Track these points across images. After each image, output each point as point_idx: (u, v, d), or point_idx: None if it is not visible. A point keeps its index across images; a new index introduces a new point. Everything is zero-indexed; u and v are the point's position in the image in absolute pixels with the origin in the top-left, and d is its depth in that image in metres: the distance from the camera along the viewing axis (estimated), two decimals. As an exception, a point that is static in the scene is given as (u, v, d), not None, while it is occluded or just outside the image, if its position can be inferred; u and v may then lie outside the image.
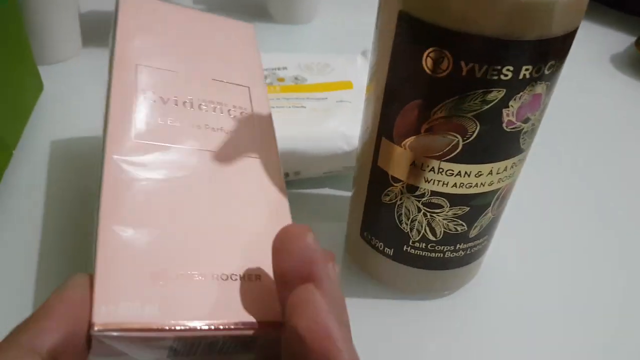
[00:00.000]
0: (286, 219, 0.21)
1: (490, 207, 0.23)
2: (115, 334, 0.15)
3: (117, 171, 0.19)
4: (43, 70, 0.38)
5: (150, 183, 0.19)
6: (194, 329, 0.16)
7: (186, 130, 0.21)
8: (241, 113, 0.24)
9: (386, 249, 0.25)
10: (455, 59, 0.19)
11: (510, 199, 0.25)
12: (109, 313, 0.16)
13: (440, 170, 0.21)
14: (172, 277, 0.17)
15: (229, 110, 0.23)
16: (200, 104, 0.23)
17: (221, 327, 0.17)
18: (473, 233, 0.24)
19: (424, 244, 0.24)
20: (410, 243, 0.24)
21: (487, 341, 0.26)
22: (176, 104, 0.22)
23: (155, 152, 0.20)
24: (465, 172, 0.21)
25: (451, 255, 0.25)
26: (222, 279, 0.18)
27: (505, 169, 0.22)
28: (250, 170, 0.22)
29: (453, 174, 0.21)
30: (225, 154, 0.21)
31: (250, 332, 0.17)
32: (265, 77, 0.35)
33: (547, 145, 0.39)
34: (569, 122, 0.44)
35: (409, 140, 0.21)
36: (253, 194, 0.21)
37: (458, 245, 0.24)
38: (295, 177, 0.32)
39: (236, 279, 0.18)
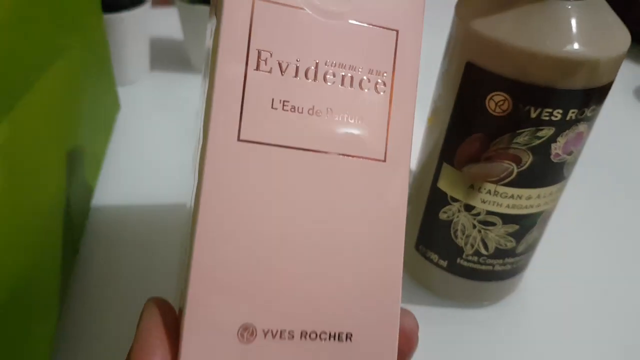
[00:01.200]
0: (397, 262, 0.17)
1: (536, 226, 0.27)
2: None
3: (216, 186, 0.16)
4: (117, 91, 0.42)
5: (253, 198, 0.16)
6: None
7: (302, 121, 0.16)
8: (377, 85, 0.17)
9: (440, 261, 0.29)
10: (514, 102, 0.22)
11: (550, 220, 0.29)
12: None
13: (496, 193, 0.25)
14: (260, 334, 0.15)
15: (360, 80, 0.17)
16: (327, 72, 0.17)
17: None
18: (520, 249, 0.27)
19: (476, 257, 0.28)
20: (464, 256, 0.28)
21: (528, 345, 0.29)
22: (296, 74, 0.16)
23: (262, 157, 0.16)
24: (517, 195, 0.25)
25: (500, 268, 0.28)
26: (311, 339, 0.16)
27: (551, 194, 0.25)
28: (372, 182, 0.17)
29: (507, 196, 0.25)
30: (342, 159, 0.17)
31: None
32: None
33: (581, 172, 0.43)
34: (600, 152, 0.47)
35: (469, 167, 0.25)
36: (371, 218, 0.17)
37: (506, 259, 0.28)
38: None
39: (325, 339, 0.16)
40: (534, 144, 0.23)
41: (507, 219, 0.26)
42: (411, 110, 0.18)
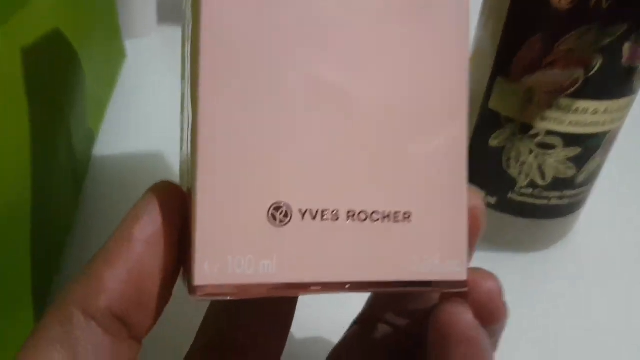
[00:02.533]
0: (461, 140, 0.14)
1: (600, 150, 0.24)
2: (221, 298, 0.12)
3: (214, 38, 0.12)
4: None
5: (267, 52, 0.12)
6: (321, 286, 0.13)
7: None
8: None
9: (488, 197, 0.26)
10: (585, -12, 0.19)
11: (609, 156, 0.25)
12: (212, 273, 0.12)
13: (558, 107, 0.22)
14: (296, 215, 0.13)
15: None
16: None
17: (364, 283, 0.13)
18: (580, 178, 0.24)
19: (530, 190, 0.24)
20: (516, 189, 0.25)
21: (586, 295, 0.26)
22: None
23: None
24: (583, 109, 0.22)
25: (556, 202, 0.25)
26: (361, 219, 0.13)
27: (618, 109, 0.22)
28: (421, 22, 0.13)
29: (570, 110, 0.22)
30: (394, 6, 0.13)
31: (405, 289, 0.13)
32: None
33: None
34: None
35: (528, 77, 0.22)
36: (426, 80, 0.14)
37: (564, 191, 0.25)
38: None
39: (377, 219, 0.13)
40: (604, 43, 0.20)
41: (569, 140, 0.23)
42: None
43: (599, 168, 0.25)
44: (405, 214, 0.13)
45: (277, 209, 0.12)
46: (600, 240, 0.29)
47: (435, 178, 0.14)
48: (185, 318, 0.17)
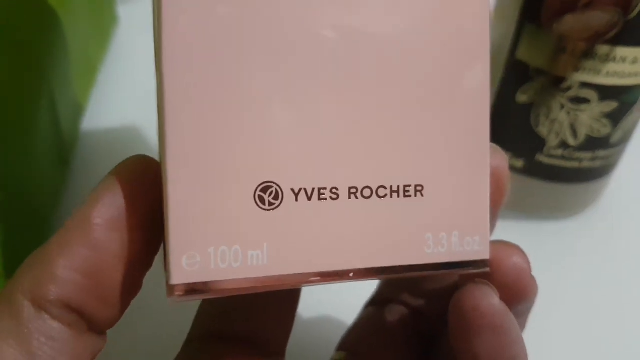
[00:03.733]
0: (483, 104, 0.12)
1: (637, 105, 0.21)
2: (205, 297, 0.11)
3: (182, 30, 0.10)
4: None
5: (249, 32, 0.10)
6: (319, 276, 0.11)
7: None
8: None
9: (514, 159, 0.23)
10: None
11: None
12: (192, 269, 0.10)
13: (594, 55, 0.19)
14: (288, 195, 0.11)
15: None
16: None
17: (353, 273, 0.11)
18: (615, 137, 0.22)
19: (560, 151, 0.22)
20: (545, 150, 0.22)
21: (620, 263, 0.24)
22: None
23: None
24: (621, 58, 0.19)
25: (587, 165, 0.23)
26: (365, 197, 0.11)
27: (661, 58, 0.20)
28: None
29: (608, 59, 0.19)
30: None
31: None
32: None
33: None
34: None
35: (560, 21, 0.19)
36: (435, 36, 0.11)
37: (597, 152, 0.22)
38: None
39: (385, 195, 0.11)
40: (650, -21, 0.18)
41: (605, 92, 0.20)
42: None
43: (634, 125, 0.23)
44: (417, 187, 0.12)
45: (265, 189, 0.10)
46: (634, 205, 0.26)
47: (452, 141, 0.12)
48: (178, 308, 0.15)
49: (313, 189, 0.11)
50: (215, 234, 0.10)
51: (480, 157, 0.12)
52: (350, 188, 0.11)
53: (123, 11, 0.38)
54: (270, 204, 0.10)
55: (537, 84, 0.21)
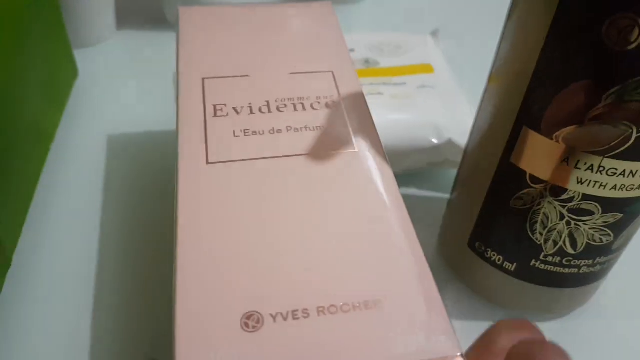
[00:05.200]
0: (405, 223, 0.16)
1: (643, 213, 0.19)
2: None
3: (193, 204, 0.16)
4: (76, 55, 0.34)
5: (232, 205, 0.16)
6: None
7: (266, 139, 0.18)
8: (327, 104, 0.20)
9: (506, 263, 0.21)
10: (649, 27, 0.14)
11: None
12: None
13: (601, 169, 0.17)
14: (268, 319, 0.14)
15: (312, 104, 0.20)
16: (279, 106, 0.19)
17: None
18: (616, 244, 0.20)
19: (558, 258, 0.20)
20: (542, 257, 0.20)
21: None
22: (251, 112, 0.19)
23: (233, 171, 0.17)
24: (630, 172, 0.17)
25: (587, 271, 0.21)
26: (331, 313, 0.14)
27: (673, 168, 0.18)
28: (350, 168, 0.17)
29: (616, 173, 0.17)
30: (316, 155, 0.18)
31: None
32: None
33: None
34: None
35: (564, 131, 0.17)
36: (359, 196, 0.17)
37: (597, 259, 0.20)
38: (371, 174, 0.28)
39: (349, 310, 0.14)
40: (668, 94, 0.15)
41: (609, 205, 0.18)
42: (366, 111, 0.19)
43: (637, 230, 0.21)
44: (375, 301, 0.14)
45: (250, 317, 0.14)
46: (626, 300, 0.24)
47: (395, 257, 0.15)
48: None
49: (288, 312, 0.14)
50: (210, 352, 0.13)
51: (421, 267, 0.15)
52: (318, 307, 0.14)
53: (83, 56, 0.35)
54: (254, 327, 0.13)
55: (535, 192, 0.19)
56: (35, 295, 0.22)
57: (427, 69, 0.31)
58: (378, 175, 0.17)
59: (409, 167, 0.28)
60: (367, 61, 0.31)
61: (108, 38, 0.38)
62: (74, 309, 0.22)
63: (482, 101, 0.21)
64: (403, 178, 0.29)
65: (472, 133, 0.22)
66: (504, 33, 0.19)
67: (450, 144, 0.27)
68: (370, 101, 0.28)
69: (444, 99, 0.28)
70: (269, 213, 0.16)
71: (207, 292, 0.14)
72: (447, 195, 0.28)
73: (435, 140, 0.27)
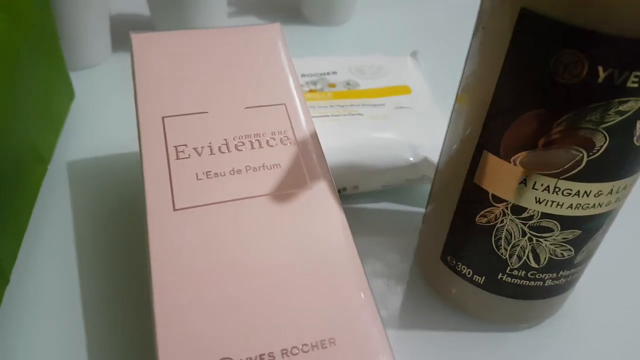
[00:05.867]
0: (354, 262, 0.18)
1: (601, 230, 0.21)
2: None
3: (163, 251, 0.18)
4: (72, 77, 0.35)
5: (200, 253, 0.18)
6: None
7: (227, 181, 0.19)
8: (281, 140, 0.21)
9: (475, 276, 0.22)
10: (591, 63, 0.16)
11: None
12: None
13: (557, 189, 0.19)
14: None
15: (267, 140, 0.21)
16: (237, 144, 0.21)
17: None
18: (578, 259, 0.21)
19: (523, 272, 0.21)
20: (508, 271, 0.21)
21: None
22: (211, 152, 0.20)
23: (200, 218, 0.18)
24: (585, 192, 0.19)
25: (552, 284, 0.22)
26: (293, 354, 0.16)
27: (625, 187, 0.19)
28: (305, 208, 0.19)
29: (571, 193, 0.19)
30: (274, 196, 0.19)
31: None
32: (315, 83, 0.33)
33: None
34: None
35: (520, 155, 0.18)
36: (314, 237, 0.19)
37: (561, 272, 0.22)
38: (353, 191, 0.30)
39: (308, 350, 0.16)
40: (612, 122, 0.17)
41: (567, 222, 0.20)
42: (318, 147, 0.21)
43: (598, 245, 0.22)
44: (330, 339, 0.16)
45: None
46: (595, 311, 0.26)
47: (347, 306, 0.17)
48: None
49: (256, 356, 0.16)
50: None
51: (370, 307, 0.17)
52: (282, 350, 0.16)
53: (79, 77, 0.36)
54: None
55: (498, 210, 0.20)
56: (31, 308, 0.23)
57: (405, 90, 0.32)
58: (330, 214, 0.19)
59: (388, 183, 0.30)
60: (348, 83, 0.33)
61: (104, 60, 0.39)
62: (67, 318, 0.23)
63: (450, 122, 0.22)
64: (382, 193, 0.31)
65: (441, 152, 0.23)
66: (467, 58, 0.20)
67: (426, 161, 0.28)
68: (351, 121, 0.29)
69: (420, 119, 0.30)
70: (233, 259, 0.18)
71: (185, 340, 0.16)
72: (424, 210, 0.30)
73: (411, 159, 0.28)
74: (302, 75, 0.33)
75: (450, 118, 0.22)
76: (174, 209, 0.18)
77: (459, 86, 0.21)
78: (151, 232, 0.18)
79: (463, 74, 0.21)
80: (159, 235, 0.18)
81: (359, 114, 0.30)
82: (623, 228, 0.26)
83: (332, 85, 0.33)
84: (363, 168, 0.29)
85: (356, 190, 0.30)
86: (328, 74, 0.34)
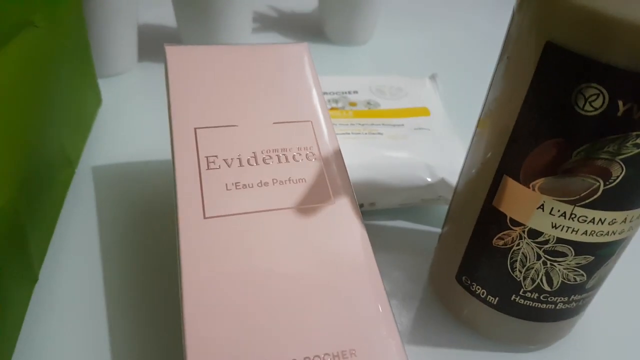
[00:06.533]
0: (374, 276, 0.19)
1: (614, 257, 0.21)
2: None
3: (193, 256, 0.18)
4: (100, 84, 0.36)
5: (228, 260, 0.19)
6: None
7: (255, 192, 0.20)
8: (307, 155, 0.22)
9: (489, 297, 0.23)
10: (611, 97, 0.16)
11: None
12: None
13: (573, 216, 0.19)
14: None
15: (293, 155, 0.22)
16: (265, 157, 0.21)
17: None
18: (590, 284, 0.22)
19: (536, 294, 0.22)
20: (521, 293, 0.22)
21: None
22: (240, 164, 0.21)
23: (228, 226, 0.19)
24: (600, 219, 0.19)
25: (563, 307, 0.22)
26: None
27: (639, 217, 0.20)
28: (329, 222, 0.20)
29: (586, 220, 0.19)
30: (299, 209, 0.20)
31: None
32: (337, 101, 0.34)
33: None
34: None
35: (539, 182, 0.19)
36: (336, 250, 0.20)
37: (572, 297, 0.22)
38: (370, 207, 0.30)
39: (329, 359, 0.17)
40: (630, 153, 0.17)
41: (581, 248, 0.20)
42: (342, 164, 0.22)
43: (610, 270, 0.22)
44: (351, 350, 0.17)
45: None
46: (604, 334, 0.26)
47: (367, 318, 0.18)
48: None
49: None
50: None
51: (389, 321, 0.18)
52: (305, 357, 0.17)
53: (106, 85, 0.37)
54: None
55: (515, 233, 0.21)
56: (57, 307, 0.24)
57: (423, 112, 0.33)
58: (352, 228, 0.20)
59: (405, 202, 0.30)
60: (369, 103, 0.34)
61: (130, 69, 0.40)
62: (92, 317, 0.24)
63: (471, 145, 0.23)
64: (399, 212, 0.31)
65: (460, 175, 0.24)
66: (491, 85, 0.21)
67: (442, 182, 0.29)
68: (371, 140, 0.30)
69: (438, 141, 0.31)
70: (259, 267, 0.18)
71: (211, 344, 0.17)
72: (439, 230, 0.30)
73: (429, 179, 0.29)
74: (325, 93, 0.34)
75: (472, 142, 0.23)
76: (204, 217, 0.19)
77: (481, 111, 0.22)
78: (182, 238, 0.19)
79: (486, 100, 0.21)
80: (190, 241, 0.19)
81: (379, 133, 0.31)
82: (635, 254, 0.27)
83: (353, 104, 0.34)
84: (381, 186, 0.29)
85: (373, 207, 0.30)
86: (350, 92, 0.35)
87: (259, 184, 0.21)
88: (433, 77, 0.37)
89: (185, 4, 0.40)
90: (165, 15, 0.47)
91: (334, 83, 0.35)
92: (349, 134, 0.31)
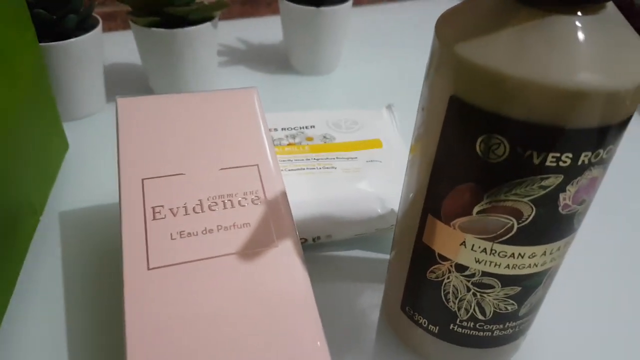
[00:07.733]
0: (313, 313, 0.21)
1: (541, 286, 0.22)
2: None
3: (136, 309, 0.19)
4: (67, 127, 0.38)
5: (171, 309, 0.20)
6: None
7: (199, 240, 0.21)
8: (252, 200, 0.23)
9: (430, 326, 0.24)
10: (512, 146, 0.18)
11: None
12: None
13: (493, 251, 0.20)
14: None
15: (239, 200, 0.23)
16: (210, 204, 0.22)
17: None
18: (523, 311, 0.23)
19: (472, 323, 0.23)
20: (458, 322, 0.23)
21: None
22: (186, 212, 0.22)
23: (172, 275, 0.20)
24: (519, 254, 0.20)
25: (500, 334, 0.24)
26: None
27: (559, 249, 0.21)
28: (270, 264, 0.21)
29: (506, 255, 0.20)
30: (241, 255, 0.21)
31: None
32: (294, 137, 0.35)
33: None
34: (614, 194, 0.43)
35: (458, 221, 0.20)
36: (277, 291, 0.21)
37: (507, 324, 0.23)
38: (326, 239, 0.32)
39: None
40: (537, 195, 0.19)
41: (506, 280, 0.21)
42: (286, 206, 0.23)
43: (542, 297, 0.24)
44: None
45: None
46: (550, 353, 0.27)
47: (303, 351, 0.20)
48: None
49: None
50: None
51: (324, 354, 0.20)
52: None
53: (73, 128, 0.38)
54: None
55: (444, 267, 0.22)
56: (21, 355, 0.25)
57: (376, 144, 0.34)
58: (293, 270, 0.21)
59: (360, 233, 0.32)
60: (325, 137, 0.35)
61: (99, 110, 0.42)
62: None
63: (406, 177, 0.24)
64: (355, 241, 0.33)
65: (399, 208, 0.25)
66: (414, 130, 0.22)
67: (392, 213, 0.30)
68: (325, 175, 0.32)
69: (389, 172, 0.32)
70: (200, 313, 0.19)
71: None
72: (393, 259, 0.32)
73: (379, 210, 0.30)
74: (282, 129, 0.35)
75: (407, 169, 0.24)
76: (148, 268, 0.20)
77: (413, 136, 0.23)
78: (126, 291, 0.20)
79: (415, 126, 0.22)
80: (133, 293, 0.20)
81: (333, 167, 0.32)
82: (573, 268, 0.28)
83: (309, 139, 0.35)
84: (335, 219, 0.31)
85: (330, 239, 0.32)
86: (307, 127, 0.36)
87: (204, 231, 0.22)
88: (389, 107, 0.39)
89: (148, 43, 0.41)
90: (135, 54, 0.48)
91: (292, 119, 0.36)
92: (304, 169, 0.32)
